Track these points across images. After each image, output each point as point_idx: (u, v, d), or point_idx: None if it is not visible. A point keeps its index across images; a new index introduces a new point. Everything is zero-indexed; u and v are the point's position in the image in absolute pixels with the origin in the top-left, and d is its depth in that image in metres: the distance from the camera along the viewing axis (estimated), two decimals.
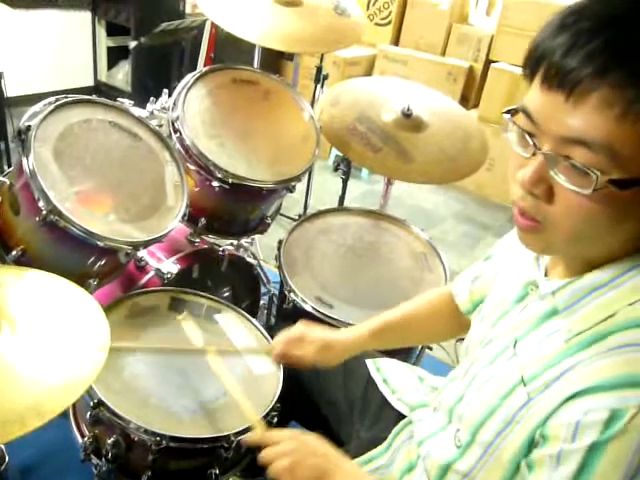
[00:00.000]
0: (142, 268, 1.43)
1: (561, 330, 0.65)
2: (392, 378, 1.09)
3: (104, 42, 3.91)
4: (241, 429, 1.01)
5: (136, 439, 0.98)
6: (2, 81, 2.30)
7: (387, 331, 1.07)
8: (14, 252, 1.16)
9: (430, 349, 1.68)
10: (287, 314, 1.42)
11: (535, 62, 0.60)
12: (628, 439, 0.54)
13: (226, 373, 1.05)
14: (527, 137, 0.61)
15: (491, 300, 0.85)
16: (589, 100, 0.54)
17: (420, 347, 1.57)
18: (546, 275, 0.72)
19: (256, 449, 1.09)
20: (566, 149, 0.57)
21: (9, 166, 2.52)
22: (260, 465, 0.82)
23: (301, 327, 1.08)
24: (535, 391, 0.64)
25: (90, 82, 3.99)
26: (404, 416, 1.00)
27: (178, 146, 1.39)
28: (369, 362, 1.13)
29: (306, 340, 1.06)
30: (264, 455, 0.82)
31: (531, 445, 0.64)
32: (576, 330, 0.63)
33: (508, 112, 0.64)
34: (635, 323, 0.59)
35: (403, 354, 1.36)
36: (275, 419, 1.07)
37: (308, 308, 1.37)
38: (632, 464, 0.54)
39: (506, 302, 0.78)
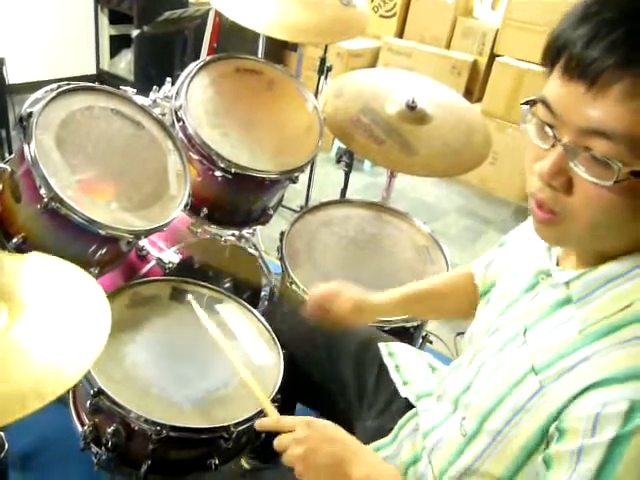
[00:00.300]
0: (143, 257, 1.43)
1: (574, 319, 0.65)
2: (404, 365, 1.09)
3: (107, 30, 3.89)
4: (241, 419, 1.01)
5: (136, 428, 0.98)
6: (4, 68, 2.28)
7: (416, 300, 1.10)
8: (15, 239, 1.15)
9: (430, 342, 1.68)
10: None
11: (556, 53, 0.59)
12: None
13: (237, 356, 1.04)
14: (547, 128, 0.61)
15: (499, 289, 0.85)
16: (611, 91, 0.54)
17: (420, 340, 1.56)
18: (558, 265, 0.72)
19: (256, 439, 1.11)
20: (586, 140, 0.57)
21: (10, 153, 2.51)
22: (272, 450, 0.81)
23: (337, 284, 1.10)
24: (547, 379, 0.64)
25: (92, 70, 3.97)
26: (411, 406, 0.99)
27: (181, 135, 1.38)
28: (382, 346, 1.13)
29: (342, 296, 1.07)
30: (278, 442, 0.80)
31: (544, 436, 0.63)
32: (591, 320, 0.63)
33: (526, 103, 0.64)
34: None
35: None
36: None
37: None
38: None
39: (515, 291, 0.78)
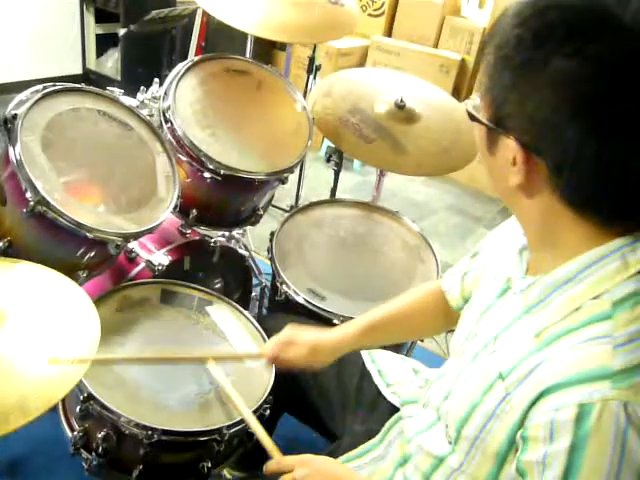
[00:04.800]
0: (132, 260, 1.41)
1: (532, 325, 0.67)
2: (387, 370, 1.09)
3: (93, 29, 3.84)
4: (233, 422, 1.01)
5: (127, 433, 0.97)
6: None
7: (376, 329, 1.06)
8: (0, 244, 1.13)
9: (421, 341, 1.68)
10: (279, 306, 1.41)
11: None
12: (603, 435, 0.55)
13: (228, 384, 1.04)
14: None
15: (478, 295, 0.86)
16: None
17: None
18: (528, 270, 0.74)
19: (248, 441, 1.10)
20: None
21: None
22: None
23: (290, 330, 1.07)
24: (511, 386, 0.66)
25: (79, 70, 3.93)
26: (398, 408, 0.99)
27: (169, 137, 1.37)
28: (364, 353, 1.13)
29: (296, 343, 1.05)
30: None
31: (512, 443, 0.65)
32: (544, 325, 0.65)
33: None
34: (597, 317, 0.61)
35: (394, 346, 1.36)
36: (267, 411, 1.07)
37: (300, 300, 1.36)
38: (613, 461, 0.55)
39: (490, 297, 0.80)
